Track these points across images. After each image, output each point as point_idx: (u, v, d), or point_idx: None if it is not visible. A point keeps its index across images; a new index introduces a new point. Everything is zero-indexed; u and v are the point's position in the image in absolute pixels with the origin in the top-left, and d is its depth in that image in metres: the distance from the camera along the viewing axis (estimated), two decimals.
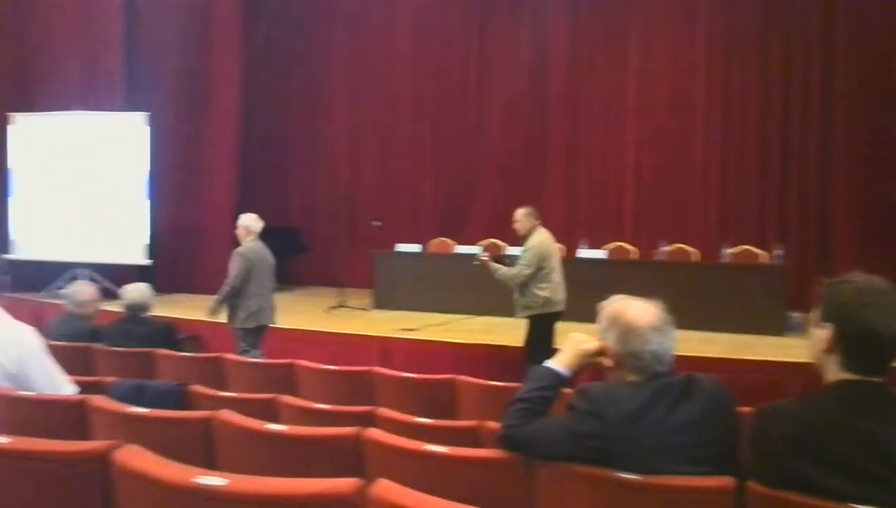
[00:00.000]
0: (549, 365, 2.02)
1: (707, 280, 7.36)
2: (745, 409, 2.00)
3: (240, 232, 5.98)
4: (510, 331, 6.87)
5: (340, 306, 8.23)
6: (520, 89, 10.10)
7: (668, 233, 8.41)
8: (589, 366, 2.06)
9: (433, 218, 10.46)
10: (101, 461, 1.46)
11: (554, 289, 5.56)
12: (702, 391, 1.87)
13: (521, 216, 5.70)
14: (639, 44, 9.58)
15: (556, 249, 5.77)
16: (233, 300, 5.82)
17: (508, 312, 7.55)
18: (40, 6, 9.37)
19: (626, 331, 1.94)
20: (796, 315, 6.90)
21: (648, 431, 1.78)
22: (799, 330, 6.75)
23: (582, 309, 6.84)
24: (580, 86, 9.87)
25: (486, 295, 7.85)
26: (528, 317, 5.60)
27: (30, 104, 9.15)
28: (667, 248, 8.04)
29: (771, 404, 1.75)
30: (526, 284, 5.52)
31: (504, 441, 1.92)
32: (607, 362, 1.99)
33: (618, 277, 7.12)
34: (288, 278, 9.86)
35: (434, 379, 3.84)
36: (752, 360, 5.81)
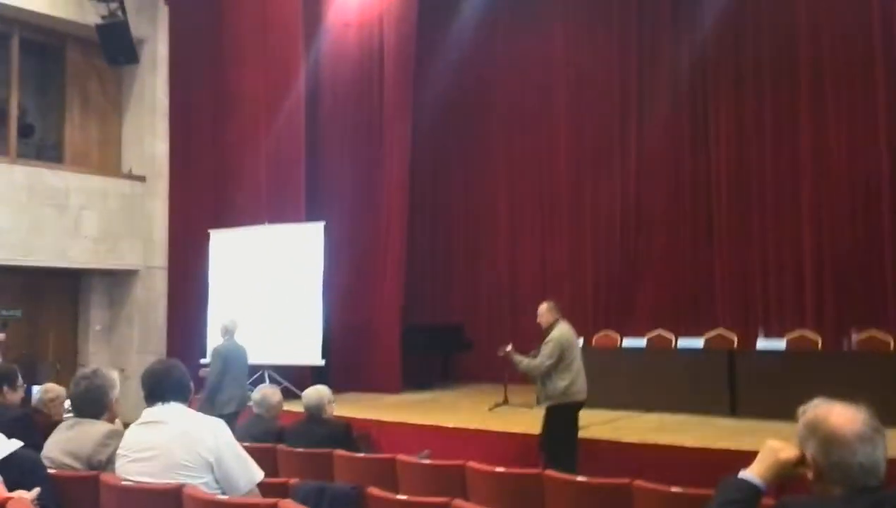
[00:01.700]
0: (743, 476, 1.87)
1: None
2: None
3: (221, 331, 7.51)
4: (685, 430, 6.52)
5: (504, 403, 8.17)
6: (682, 169, 9.88)
7: (858, 318, 7.72)
8: (787, 478, 1.89)
9: (595, 310, 10.28)
10: None
11: (573, 379, 5.78)
12: None
13: (545, 311, 6.01)
14: (811, 113, 9.03)
15: (576, 341, 6.03)
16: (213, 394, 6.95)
17: (681, 408, 7.26)
18: (235, 132, 10.51)
19: (830, 442, 1.77)
20: None
21: None
22: None
23: (763, 405, 6.47)
24: (749, 162, 9.42)
25: (656, 389, 7.56)
26: (549, 407, 5.82)
27: (227, 220, 10.16)
28: (858, 337, 7.35)
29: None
30: (549, 375, 5.75)
31: None
32: (808, 473, 1.83)
33: (802, 370, 6.59)
34: (451, 375, 10.03)
35: (608, 484, 3.67)
36: None
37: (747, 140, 9.47)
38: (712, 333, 8.19)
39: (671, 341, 8.22)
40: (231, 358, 7.21)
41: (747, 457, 1.91)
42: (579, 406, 5.85)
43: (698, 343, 7.92)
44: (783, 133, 9.25)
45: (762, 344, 7.61)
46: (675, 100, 9.95)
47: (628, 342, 8.29)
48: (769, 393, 6.66)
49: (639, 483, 3.50)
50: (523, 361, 5.96)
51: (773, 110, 9.32)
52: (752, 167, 9.42)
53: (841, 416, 1.81)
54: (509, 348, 6.12)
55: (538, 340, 8.94)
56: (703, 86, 9.81)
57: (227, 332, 7.43)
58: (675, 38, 10.01)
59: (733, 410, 7.18)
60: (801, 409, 1.93)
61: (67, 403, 4.28)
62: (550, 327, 5.91)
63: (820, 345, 7.62)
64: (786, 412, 1.93)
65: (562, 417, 5.75)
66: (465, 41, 10.94)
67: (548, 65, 10.95)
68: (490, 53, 11.31)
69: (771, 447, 1.89)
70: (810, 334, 7.80)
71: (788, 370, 6.77)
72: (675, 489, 3.35)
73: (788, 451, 1.87)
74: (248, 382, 9.11)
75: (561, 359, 5.74)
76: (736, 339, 8.06)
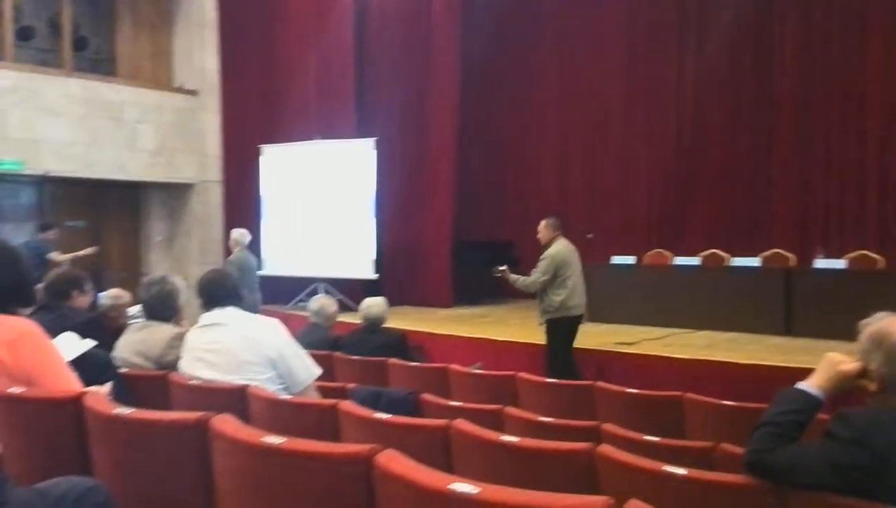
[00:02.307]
0: (801, 387, 1.86)
1: None
2: None
3: (231, 244, 8.01)
4: (736, 347, 6.49)
5: None
6: (743, 89, 9.51)
7: None
8: (846, 391, 1.87)
9: (648, 229, 10.15)
10: (365, 463, 1.59)
11: (569, 295, 5.92)
12: None
13: (542, 227, 6.11)
14: (880, 31, 8.59)
15: (574, 258, 6.09)
16: None
17: (733, 327, 7.21)
18: (283, 48, 10.49)
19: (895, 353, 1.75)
20: None
21: None
22: None
23: (818, 325, 6.37)
24: (814, 80, 9.04)
25: (708, 308, 7.50)
26: (547, 322, 5.99)
27: (277, 135, 10.24)
28: None
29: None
30: (544, 290, 5.92)
31: (751, 466, 1.81)
32: (871, 386, 1.81)
33: (862, 290, 6.43)
34: (502, 291, 10.07)
35: (660, 396, 3.71)
36: None
37: (812, 58, 9.07)
38: (769, 252, 8.02)
39: (725, 259, 8.10)
40: (246, 267, 7.69)
41: (802, 374, 1.90)
42: (577, 320, 6.05)
43: (754, 262, 7.77)
44: (850, 52, 8.83)
45: (821, 263, 7.42)
46: (738, 17, 9.45)
47: (681, 260, 8.18)
48: (826, 312, 6.54)
49: (690, 395, 3.52)
50: (519, 279, 6.09)
51: (839, 31, 8.88)
52: (817, 85, 9.05)
53: None
54: (504, 268, 6.19)
55: (586, 257, 8.95)
56: (767, 3, 9.28)
57: (238, 244, 7.93)
58: None
59: (788, 330, 7.09)
60: (862, 323, 1.90)
61: (133, 309, 4.47)
62: (548, 243, 6.05)
63: (882, 265, 7.41)
64: (843, 332, 1.90)
65: (560, 330, 5.97)
66: None
67: None
68: None
69: (831, 359, 1.87)
70: (872, 253, 7.57)
71: (847, 289, 6.61)
72: (727, 402, 3.37)
73: (849, 363, 1.84)
74: (305, 293, 9.46)
75: (556, 276, 5.89)
76: (794, 259, 7.89)
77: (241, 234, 8.02)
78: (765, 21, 9.35)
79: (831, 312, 6.30)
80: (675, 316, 7.59)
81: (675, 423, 3.47)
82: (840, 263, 7.36)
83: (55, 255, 8.10)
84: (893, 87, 8.57)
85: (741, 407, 3.24)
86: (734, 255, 8.07)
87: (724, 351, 6.33)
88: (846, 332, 2.04)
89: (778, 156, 9.33)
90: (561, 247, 6.02)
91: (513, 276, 6.14)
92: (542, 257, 6.00)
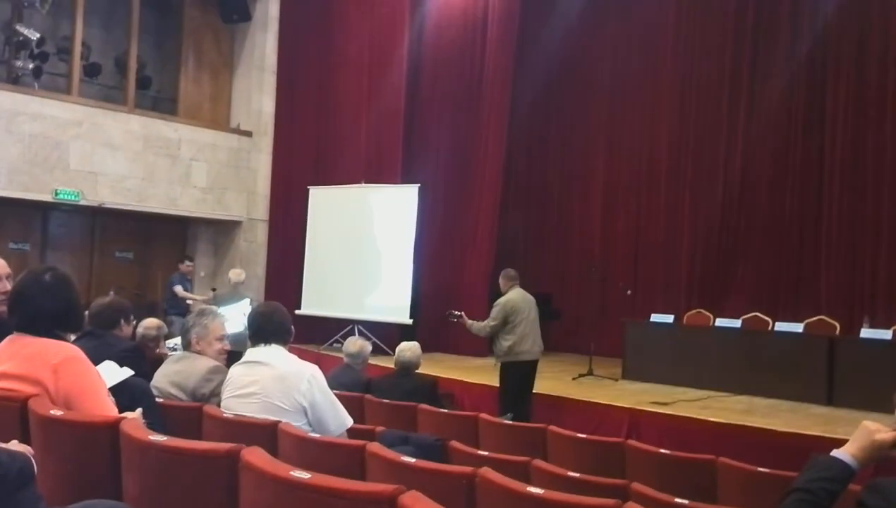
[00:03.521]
0: (835, 455, 1.82)
1: None
2: None
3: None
4: (775, 414, 6.33)
5: (588, 374, 8.14)
6: (793, 151, 9.43)
7: None
8: (882, 460, 1.83)
9: (689, 288, 10.02)
10: (389, 503, 1.60)
11: (518, 341, 6.34)
12: None
13: (501, 278, 6.67)
14: None
15: (527, 306, 6.49)
16: None
17: (773, 393, 7.04)
18: (338, 95, 10.80)
19: None
20: None
21: None
22: None
23: (861, 396, 6.17)
24: (865, 145, 8.92)
25: (748, 372, 7.35)
26: (500, 364, 6.46)
27: (326, 178, 10.51)
28: None
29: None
30: (495, 335, 6.40)
31: None
32: None
33: None
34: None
35: (693, 458, 3.63)
36: None
37: (865, 123, 8.94)
38: (813, 319, 7.85)
39: (768, 324, 7.94)
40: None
41: (840, 445, 1.85)
42: (527, 365, 6.47)
43: (797, 328, 7.60)
44: None
45: (867, 333, 7.22)
46: (791, 79, 9.42)
47: (722, 322, 8.04)
48: (869, 383, 6.35)
49: (724, 459, 3.45)
50: (473, 324, 6.60)
51: (894, 94, 8.74)
52: (868, 150, 8.90)
53: None
54: (460, 314, 6.71)
55: (624, 313, 8.90)
56: (822, 66, 9.25)
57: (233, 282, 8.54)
58: (794, 15, 9.49)
59: (830, 399, 6.90)
60: None
61: (173, 341, 4.57)
62: (505, 293, 6.53)
63: None
64: (886, 404, 1.85)
65: (510, 374, 6.42)
66: (570, 14, 10.67)
67: (654, 39, 10.58)
68: (595, 26, 10.99)
69: (866, 427, 1.83)
70: None
71: (892, 361, 6.42)
72: (762, 469, 3.28)
73: (886, 432, 1.80)
74: (340, 334, 9.53)
75: (506, 322, 6.35)
76: (838, 327, 7.70)
77: (236, 274, 8.70)
78: (818, 83, 9.29)
79: (874, 383, 6.12)
80: (714, 378, 7.44)
81: (707, 488, 3.39)
82: (886, 334, 7.14)
83: (179, 290, 8.92)
84: None
85: (776, 474, 3.16)
86: (777, 320, 7.91)
87: (762, 417, 6.16)
88: (889, 404, 1.99)
89: (826, 221, 9.18)
90: (513, 296, 6.45)
91: (468, 321, 6.63)
92: (494, 304, 6.48)
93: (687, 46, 10.32)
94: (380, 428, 3.62)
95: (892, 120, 8.77)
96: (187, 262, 9.50)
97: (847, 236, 9.02)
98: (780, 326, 7.73)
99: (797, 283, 9.30)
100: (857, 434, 1.83)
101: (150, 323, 4.54)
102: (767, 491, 3.09)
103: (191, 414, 3.18)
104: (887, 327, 7.33)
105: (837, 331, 7.63)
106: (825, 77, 9.27)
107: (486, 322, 6.46)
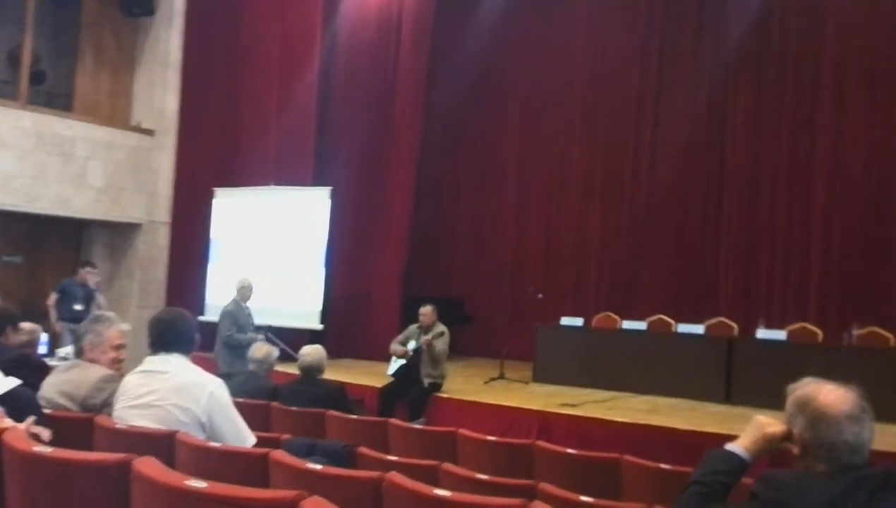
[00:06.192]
0: (729, 448, 1.89)
1: None
2: None
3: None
4: (677, 413, 6.55)
5: (499, 377, 8.21)
6: (696, 162, 9.86)
7: (861, 314, 7.71)
8: (772, 453, 1.90)
9: (598, 292, 10.30)
10: None
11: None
12: None
13: (429, 312, 7.26)
14: (829, 114, 9.02)
15: None
16: None
17: (675, 392, 7.30)
18: (245, 93, 10.44)
19: (818, 419, 1.78)
20: None
21: None
22: None
23: (757, 394, 6.48)
24: (763, 159, 9.41)
25: (653, 373, 7.58)
26: (432, 383, 7.12)
27: (232, 180, 10.12)
28: (859, 332, 7.34)
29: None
30: (440, 360, 7.16)
31: None
32: (794, 449, 1.84)
33: (800, 362, 6.57)
34: (449, 348, 10.03)
35: (598, 457, 3.71)
36: None
37: (763, 137, 9.44)
38: (713, 321, 8.19)
39: (671, 326, 8.24)
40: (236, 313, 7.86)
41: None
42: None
43: (699, 329, 7.92)
44: (799, 132, 9.23)
45: (762, 334, 7.59)
46: (694, 94, 9.86)
47: (628, 324, 8.29)
48: (765, 382, 6.66)
49: (628, 457, 3.53)
50: (437, 345, 7.08)
51: (791, 109, 9.30)
52: (766, 163, 9.41)
53: (830, 395, 1.82)
54: (430, 337, 7.08)
55: (535, 318, 9.04)
56: (723, 82, 9.71)
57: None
58: (698, 32, 9.94)
59: (728, 397, 7.21)
60: (790, 387, 1.94)
61: (64, 349, 4.33)
62: (433, 324, 7.20)
63: (820, 339, 7.62)
64: (781, 402, 1.94)
65: (430, 394, 7.09)
66: (485, 19, 10.75)
67: (567, 50, 10.80)
68: (509, 35, 11.11)
69: (758, 421, 1.91)
70: (811, 327, 7.78)
71: (786, 361, 6.76)
72: (664, 465, 3.38)
73: (775, 426, 1.88)
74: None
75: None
76: (737, 328, 8.07)
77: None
78: (719, 97, 9.74)
79: (770, 382, 6.36)
80: (620, 379, 7.65)
81: (612, 485, 3.46)
82: (780, 335, 7.54)
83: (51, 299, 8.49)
84: (838, 168, 8.95)
85: (677, 470, 3.25)
86: (680, 322, 8.22)
87: (664, 416, 6.38)
88: (784, 402, 2.08)
89: (726, 230, 9.62)
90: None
91: (435, 344, 7.08)
92: (440, 332, 7.09)
93: (597, 58, 10.61)
94: (286, 436, 3.53)
95: (788, 136, 9.29)
96: (88, 268, 8.82)
97: (745, 244, 9.49)
98: (683, 328, 8.04)
99: (699, 287, 9.70)
100: (750, 429, 1.91)
101: (25, 327, 4.31)
102: (669, 487, 3.18)
103: (81, 426, 3.00)
104: (781, 328, 7.74)
105: (736, 332, 7.98)
106: (726, 94, 9.73)
107: (443, 348, 7.12)
